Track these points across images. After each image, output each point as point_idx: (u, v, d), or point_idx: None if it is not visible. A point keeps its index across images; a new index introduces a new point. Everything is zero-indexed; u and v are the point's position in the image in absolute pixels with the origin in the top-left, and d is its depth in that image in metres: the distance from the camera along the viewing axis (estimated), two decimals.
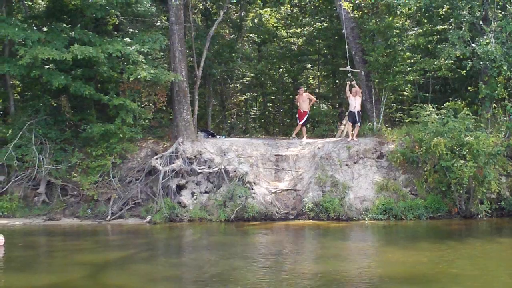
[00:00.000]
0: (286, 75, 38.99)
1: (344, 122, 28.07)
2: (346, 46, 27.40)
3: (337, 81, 37.79)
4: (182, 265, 15.21)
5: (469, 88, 31.83)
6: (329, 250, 17.75)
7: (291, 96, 38.75)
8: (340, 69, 30.55)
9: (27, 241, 19.86)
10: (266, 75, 38.10)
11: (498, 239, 19.58)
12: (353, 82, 26.08)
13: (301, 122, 27.46)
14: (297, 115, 28.25)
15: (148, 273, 14.51)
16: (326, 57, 38.04)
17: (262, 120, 40.62)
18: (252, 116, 39.92)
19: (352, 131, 25.80)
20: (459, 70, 28.40)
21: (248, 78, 37.95)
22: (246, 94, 39.35)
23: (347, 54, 27.40)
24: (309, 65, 39.36)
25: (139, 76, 23.45)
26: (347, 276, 14.07)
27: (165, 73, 24.55)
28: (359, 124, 25.90)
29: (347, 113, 26.72)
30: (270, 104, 41.05)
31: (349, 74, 26.72)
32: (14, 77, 26.68)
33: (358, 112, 25.69)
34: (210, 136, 27.94)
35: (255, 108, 40.83)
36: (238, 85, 37.65)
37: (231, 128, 35.01)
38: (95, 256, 16.94)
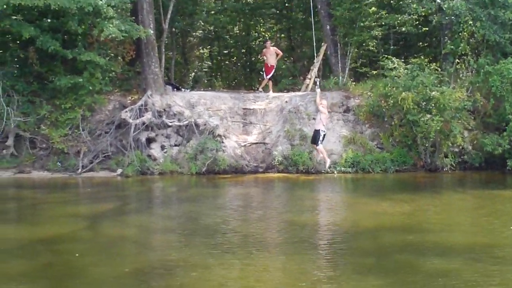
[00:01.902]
0: (242, 30, 39.23)
1: (308, 76, 28.39)
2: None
3: (291, 36, 38.40)
4: (175, 217, 15.30)
5: (425, 44, 32.61)
6: (310, 201, 18.16)
7: (243, 51, 39.18)
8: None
9: (4, 194, 19.93)
10: (224, 28, 38.17)
11: (470, 191, 20.18)
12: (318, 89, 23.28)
13: (268, 76, 27.55)
14: (263, 69, 28.37)
15: (144, 224, 14.63)
16: (282, 12, 38.30)
17: (215, 74, 40.81)
18: (205, 70, 39.90)
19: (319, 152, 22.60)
20: (420, 26, 28.98)
21: (200, 32, 37.85)
22: (208, 47, 39.40)
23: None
24: (262, 21, 39.57)
25: (110, 36, 23.30)
26: (339, 226, 14.32)
27: (135, 28, 24.35)
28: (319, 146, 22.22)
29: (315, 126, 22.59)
30: (226, 58, 41.27)
31: (317, 86, 23.94)
32: None
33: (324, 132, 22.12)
34: (175, 89, 27.89)
35: (208, 62, 40.77)
36: (195, 39, 37.63)
37: (194, 82, 35.07)
38: (82, 208, 16.96)
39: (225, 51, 40.73)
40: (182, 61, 36.69)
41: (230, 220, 15.10)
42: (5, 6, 21.95)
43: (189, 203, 17.64)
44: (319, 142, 21.83)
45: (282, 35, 40.10)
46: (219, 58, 41.03)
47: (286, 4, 37.69)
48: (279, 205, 17.71)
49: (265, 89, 28.10)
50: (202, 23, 36.03)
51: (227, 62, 41.25)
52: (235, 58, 40.61)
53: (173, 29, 32.93)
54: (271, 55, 27.48)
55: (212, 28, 37.53)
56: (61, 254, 11.75)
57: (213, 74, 40.18)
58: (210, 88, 33.11)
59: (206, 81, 36.19)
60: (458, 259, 10.94)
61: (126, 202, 18.51)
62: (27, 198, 19.06)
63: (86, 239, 13.01)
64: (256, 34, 39.76)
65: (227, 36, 39.27)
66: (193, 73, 37.11)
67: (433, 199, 18.12)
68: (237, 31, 39.70)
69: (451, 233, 13.34)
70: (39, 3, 22.14)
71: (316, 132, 21.97)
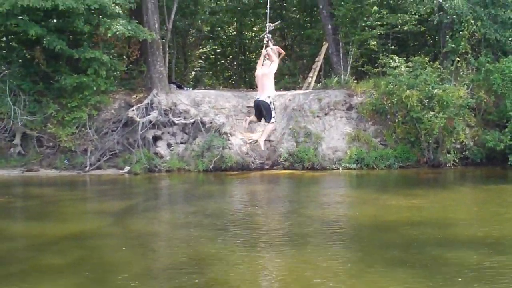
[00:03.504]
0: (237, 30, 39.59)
1: (311, 74, 28.75)
2: None
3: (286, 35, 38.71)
4: (198, 213, 15.39)
5: (422, 43, 33.11)
6: (324, 197, 18.52)
7: (235, 50, 39.47)
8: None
9: (17, 192, 20.13)
10: (221, 28, 38.49)
11: (476, 185, 20.70)
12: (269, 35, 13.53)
13: None
14: None
15: (168, 220, 14.90)
16: (277, 11, 38.63)
17: (212, 73, 41.08)
18: (197, 69, 40.08)
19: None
20: (419, 25, 29.39)
21: (196, 31, 38.11)
22: (207, 47, 39.65)
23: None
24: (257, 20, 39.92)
25: (117, 32, 23.50)
26: (361, 220, 14.50)
27: (141, 29, 24.56)
28: (270, 123, 12.82)
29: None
30: (222, 57, 41.58)
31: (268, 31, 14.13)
32: None
33: (262, 103, 12.70)
34: (178, 88, 28.14)
35: (201, 61, 40.99)
36: (193, 38, 37.91)
37: (196, 80, 35.32)
38: (101, 205, 17.20)
39: (218, 50, 41.03)
40: (182, 60, 36.84)
41: (252, 215, 15.42)
42: (10, 7, 22.06)
43: (206, 200, 17.79)
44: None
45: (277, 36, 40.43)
46: (213, 57, 41.28)
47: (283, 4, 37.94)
48: (296, 201, 17.93)
49: None
50: (200, 23, 36.20)
51: (222, 61, 41.49)
52: (230, 57, 40.83)
53: (173, 29, 33.14)
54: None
55: (208, 27, 37.75)
56: (93, 250, 11.91)
57: (207, 73, 40.46)
58: (209, 87, 33.34)
59: (206, 80, 36.43)
60: (484, 251, 11.17)
61: (143, 199, 18.73)
62: (43, 196, 19.14)
63: (115, 235, 13.12)
64: (251, 34, 40.06)
65: (224, 36, 39.53)
66: (193, 72, 37.30)
67: (443, 194, 18.52)
68: (232, 31, 39.93)
69: (471, 225, 13.68)
70: (46, 4, 22.31)
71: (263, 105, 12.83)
